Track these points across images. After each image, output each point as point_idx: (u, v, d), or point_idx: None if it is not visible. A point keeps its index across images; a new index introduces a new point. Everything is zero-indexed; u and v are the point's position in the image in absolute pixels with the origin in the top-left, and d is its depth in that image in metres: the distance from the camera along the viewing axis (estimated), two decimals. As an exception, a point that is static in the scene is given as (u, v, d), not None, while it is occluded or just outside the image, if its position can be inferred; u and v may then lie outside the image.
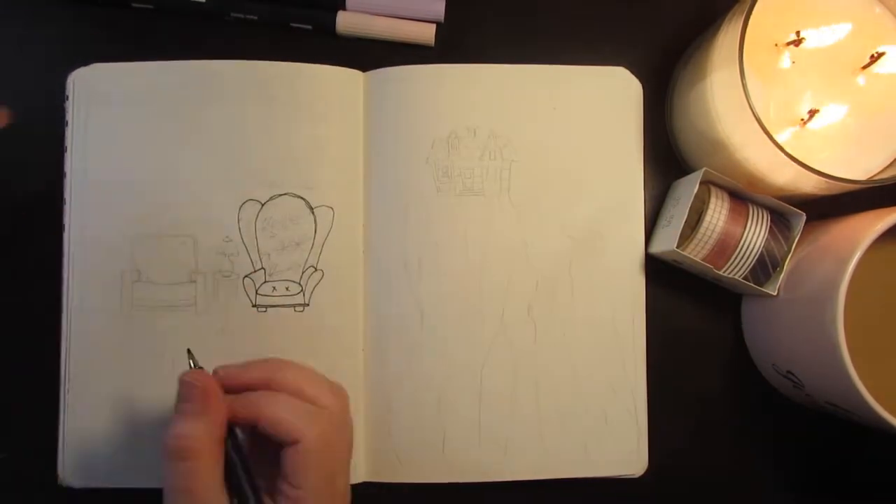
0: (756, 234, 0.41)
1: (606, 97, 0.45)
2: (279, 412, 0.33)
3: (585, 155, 0.44)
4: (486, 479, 0.43)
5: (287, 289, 0.43)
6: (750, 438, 0.46)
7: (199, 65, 0.44)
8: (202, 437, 0.32)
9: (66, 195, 0.43)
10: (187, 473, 0.32)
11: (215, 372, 0.35)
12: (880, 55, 0.39)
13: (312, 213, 0.43)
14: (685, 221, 0.41)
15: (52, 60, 0.44)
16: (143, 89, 0.43)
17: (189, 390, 0.33)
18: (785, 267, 0.41)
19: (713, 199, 0.41)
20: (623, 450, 0.44)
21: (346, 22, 0.45)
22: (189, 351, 0.36)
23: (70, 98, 0.43)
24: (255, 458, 0.34)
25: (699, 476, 0.46)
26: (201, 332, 0.43)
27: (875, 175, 0.40)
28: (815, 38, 0.39)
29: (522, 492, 0.44)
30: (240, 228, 0.43)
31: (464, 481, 0.43)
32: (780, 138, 0.36)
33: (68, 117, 0.43)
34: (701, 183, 0.41)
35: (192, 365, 0.35)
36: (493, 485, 0.43)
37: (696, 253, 0.41)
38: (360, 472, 0.43)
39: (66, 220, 0.43)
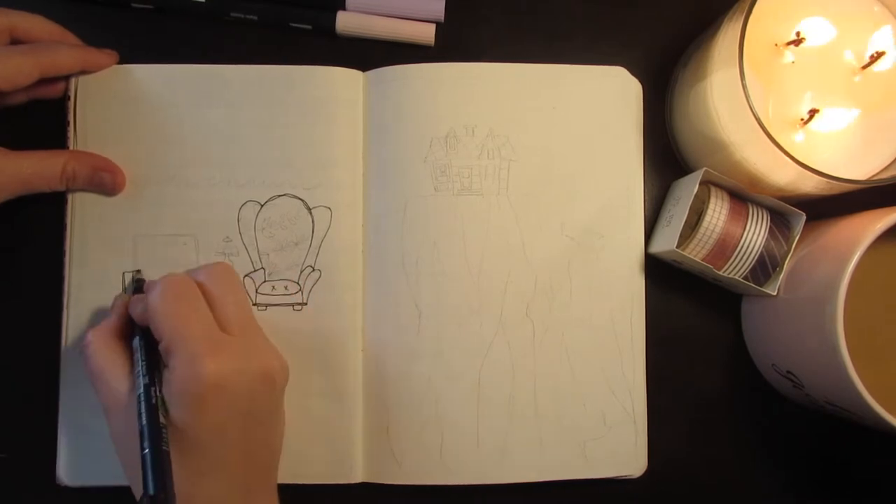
0: (756, 234, 0.40)
1: (606, 97, 0.45)
2: (135, 308, 0.39)
3: (585, 154, 0.44)
4: (485, 482, 0.43)
5: (286, 288, 0.43)
6: (749, 438, 0.46)
7: (199, 68, 0.44)
8: (92, 333, 0.39)
9: (67, 195, 0.43)
10: (87, 358, 0.38)
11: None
12: (880, 55, 0.39)
13: (310, 213, 0.43)
14: (685, 221, 0.41)
15: (52, 60, 0.44)
16: (142, 90, 0.44)
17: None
18: (785, 267, 0.41)
19: (713, 199, 0.41)
20: (622, 450, 0.44)
21: (346, 22, 0.45)
22: (138, 270, 0.43)
23: (70, 98, 0.43)
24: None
25: (698, 476, 0.45)
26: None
27: (875, 175, 0.40)
28: (814, 35, 0.39)
29: (521, 493, 0.44)
30: (239, 229, 0.43)
31: (462, 483, 0.43)
32: (779, 138, 0.36)
33: (69, 117, 0.43)
34: (701, 183, 0.41)
35: (133, 274, 0.42)
36: (492, 487, 0.43)
37: (695, 253, 0.41)
38: (359, 473, 0.43)
39: (67, 220, 0.43)
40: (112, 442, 0.38)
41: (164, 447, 0.34)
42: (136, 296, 0.40)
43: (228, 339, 0.37)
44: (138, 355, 0.37)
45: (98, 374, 0.38)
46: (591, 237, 0.44)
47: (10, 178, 0.39)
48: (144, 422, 0.34)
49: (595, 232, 0.44)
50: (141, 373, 0.36)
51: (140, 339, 0.38)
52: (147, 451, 0.33)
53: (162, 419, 0.35)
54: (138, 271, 0.43)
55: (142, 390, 0.35)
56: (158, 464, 0.33)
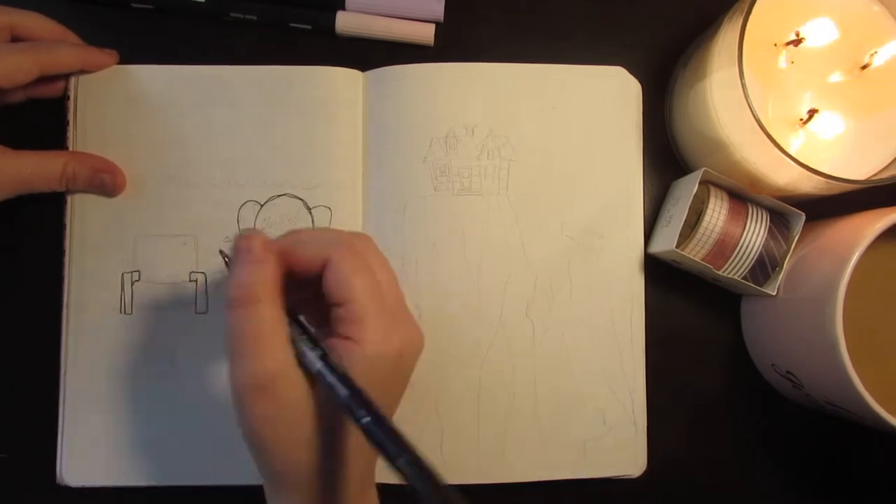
0: (755, 233, 0.40)
1: (605, 97, 0.45)
2: (303, 252, 0.34)
3: (584, 154, 0.44)
4: (484, 481, 0.43)
5: (285, 288, 0.43)
6: (749, 438, 0.46)
7: (199, 69, 0.44)
8: (262, 283, 0.32)
9: (67, 195, 0.43)
10: (250, 318, 0.32)
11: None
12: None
13: (310, 213, 0.43)
14: (684, 221, 0.41)
15: (52, 60, 0.44)
16: (143, 90, 0.44)
17: (246, 243, 0.33)
18: (784, 267, 0.41)
19: (712, 199, 0.41)
20: (622, 450, 0.44)
21: (346, 22, 0.45)
22: (221, 252, 0.39)
23: (70, 98, 0.43)
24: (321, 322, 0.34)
25: (698, 476, 0.45)
26: (201, 331, 0.43)
27: (875, 175, 0.40)
28: (814, 36, 0.39)
29: (521, 493, 0.44)
30: (239, 229, 0.43)
31: (462, 483, 0.43)
32: (779, 138, 0.36)
33: (68, 117, 0.43)
34: (700, 183, 0.41)
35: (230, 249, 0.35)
36: (492, 487, 0.43)
37: (695, 253, 0.41)
38: (359, 471, 0.43)
39: (66, 220, 0.43)
40: (245, 433, 0.32)
41: (380, 410, 0.30)
42: (304, 232, 0.35)
43: (400, 311, 0.35)
44: (299, 319, 0.33)
45: (267, 335, 0.31)
46: (590, 237, 0.44)
47: (9, 177, 0.39)
48: (347, 390, 0.30)
49: (595, 232, 0.44)
50: (314, 339, 0.33)
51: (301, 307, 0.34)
52: (369, 418, 0.30)
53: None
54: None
55: (321, 361, 0.32)
56: (389, 427, 0.30)
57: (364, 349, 0.32)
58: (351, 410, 0.30)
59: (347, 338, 0.33)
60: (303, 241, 0.34)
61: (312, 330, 0.33)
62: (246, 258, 0.33)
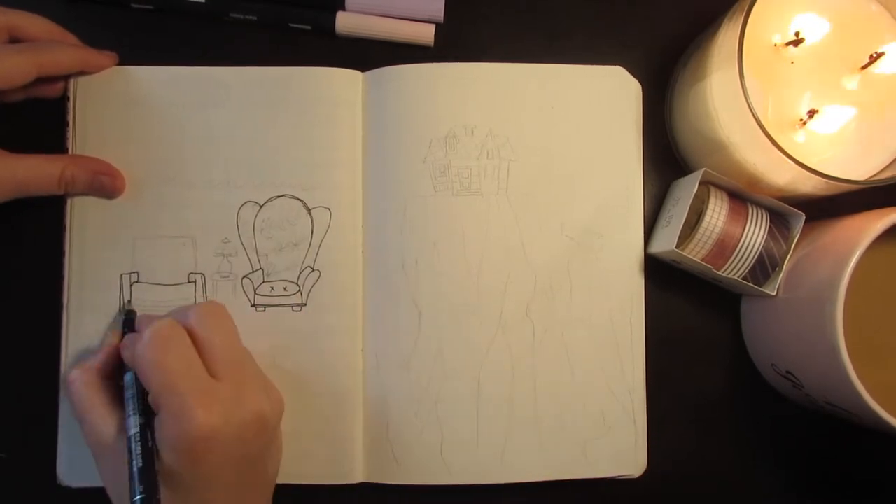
0: (755, 234, 0.40)
1: (605, 97, 0.45)
2: (125, 352, 0.39)
3: (584, 154, 0.44)
4: (484, 482, 0.43)
5: (285, 289, 0.43)
6: (749, 438, 0.46)
7: (199, 70, 0.44)
8: (76, 370, 0.39)
9: (66, 197, 0.43)
10: (72, 396, 0.38)
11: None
12: (879, 55, 0.39)
13: (309, 214, 0.43)
14: (685, 221, 0.41)
15: (51, 61, 0.44)
16: (142, 91, 0.44)
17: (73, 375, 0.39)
18: (784, 267, 0.41)
19: (712, 200, 0.41)
20: (622, 450, 0.44)
21: (346, 22, 0.45)
22: (128, 301, 0.42)
23: (70, 99, 0.43)
24: None
25: (698, 476, 0.45)
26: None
27: (875, 175, 0.40)
28: (811, 32, 0.39)
29: (520, 493, 0.44)
30: (238, 229, 0.43)
31: (462, 483, 0.43)
32: (779, 138, 0.36)
33: (68, 118, 0.43)
34: (700, 183, 0.41)
35: (125, 305, 0.42)
36: (492, 487, 0.43)
37: (695, 253, 0.41)
38: (359, 472, 0.43)
39: (66, 221, 0.43)
40: (103, 482, 0.38)
41: (157, 496, 0.34)
42: (127, 336, 0.40)
43: (218, 388, 0.36)
44: (129, 394, 0.37)
45: (84, 414, 0.38)
46: (590, 237, 0.44)
47: (5, 180, 0.39)
48: (138, 465, 0.34)
49: (595, 232, 0.44)
50: (135, 413, 0.36)
51: (132, 379, 0.38)
52: (139, 497, 0.33)
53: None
54: (129, 302, 0.43)
55: (136, 431, 0.35)
56: None
57: (162, 427, 0.35)
58: (131, 483, 0.34)
59: (155, 414, 0.36)
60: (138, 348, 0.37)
61: (137, 402, 0.37)
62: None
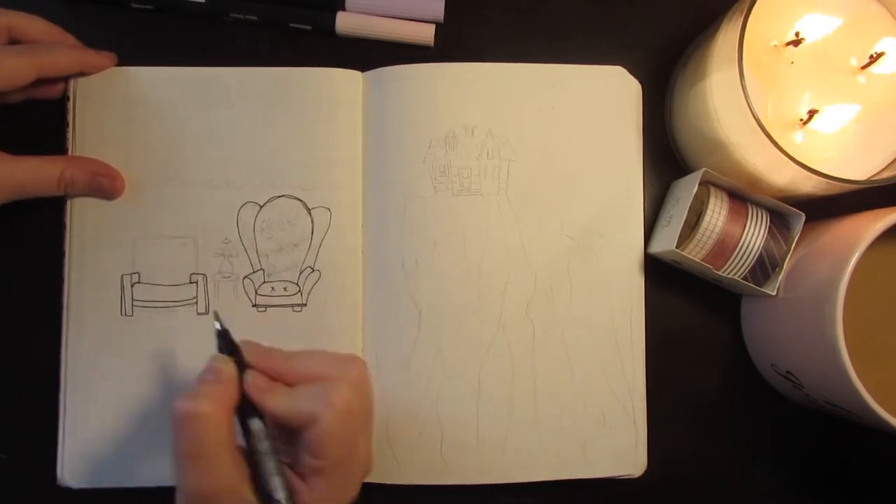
0: (755, 234, 0.40)
1: (605, 97, 0.45)
2: (281, 404, 0.34)
3: (584, 154, 0.44)
4: (484, 481, 0.43)
5: (285, 289, 0.43)
6: (749, 438, 0.46)
7: (198, 70, 0.44)
8: (208, 403, 0.33)
9: (66, 197, 0.43)
10: (192, 437, 0.32)
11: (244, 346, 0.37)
12: (880, 55, 0.39)
13: (309, 214, 0.43)
14: (684, 221, 0.41)
15: (51, 61, 0.44)
16: (142, 92, 0.44)
17: (208, 367, 0.35)
18: (784, 267, 0.41)
19: (712, 200, 0.41)
20: (622, 450, 0.44)
21: (346, 22, 0.45)
22: (216, 313, 0.37)
23: (69, 99, 0.43)
24: (279, 435, 0.35)
25: (698, 476, 0.46)
26: (201, 332, 0.43)
27: (875, 175, 0.40)
28: (811, 31, 0.39)
29: (521, 493, 0.44)
30: (239, 230, 0.43)
31: (462, 483, 0.43)
32: (779, 138, 0.36)
33: (68, 118, 0.43)
34: (700, 183, 0.41)
35: (220, 324, 0.37)
36: (492, 487, 0.43)
37: (695, 253, 0.41)
38: (359, 472, 0.43)
39: (66, 221, 0.43)
40: None
41: None
42: (276, 387, 0.35)
43: (356, 457, 0.35)
44: (266, 446, 0.34)
45: (202, 458, 0.32)
46: (590, 237, 0.44)
47: (4, 182, 0.39)
48: None
49: (595, 232, 0.44)
50: (279, 474, 0.34)
51: (264, 429, 0.34)
52: None
53: None
54: (216, 313, 0.37)
55: (286, 495, 0.33)
56: None
57: (325, 494, 0.34)
58: None
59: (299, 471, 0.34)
60: (289, 393, 0.35)
61: (274, 458, 0.34)
62: (209, 377, 0.35)
